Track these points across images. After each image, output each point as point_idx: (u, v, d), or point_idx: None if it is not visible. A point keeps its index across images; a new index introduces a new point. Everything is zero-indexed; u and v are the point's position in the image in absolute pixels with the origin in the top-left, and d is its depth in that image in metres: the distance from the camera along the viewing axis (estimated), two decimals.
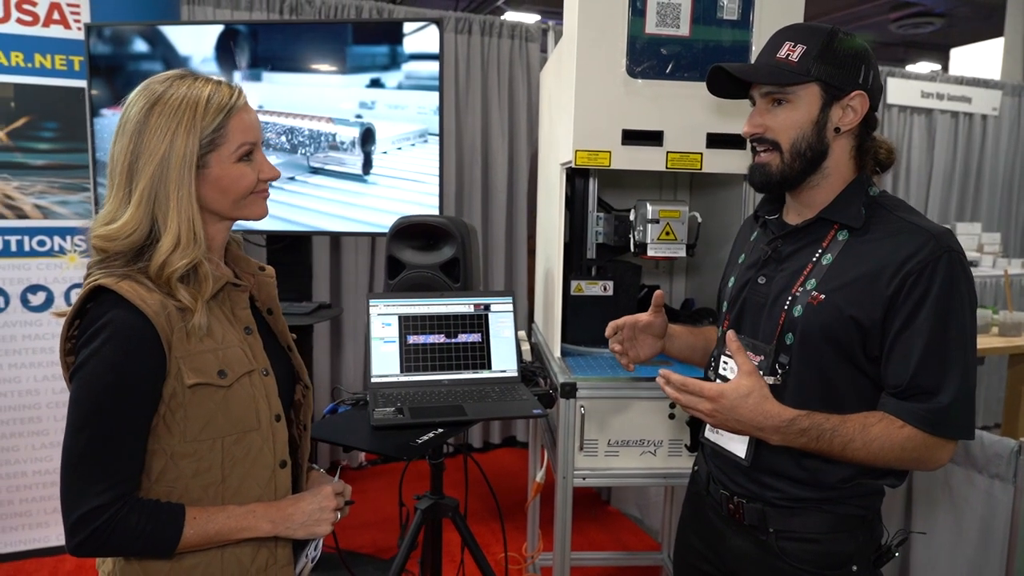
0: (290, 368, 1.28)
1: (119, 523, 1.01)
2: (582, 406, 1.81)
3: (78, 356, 1.03)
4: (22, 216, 2.72)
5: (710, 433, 1.35)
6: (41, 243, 2.74)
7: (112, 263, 1.07)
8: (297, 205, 2.57)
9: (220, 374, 1.09)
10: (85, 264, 1.11)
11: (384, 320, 1.83)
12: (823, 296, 1.17)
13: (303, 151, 2.52)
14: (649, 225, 1.86)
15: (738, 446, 1.27)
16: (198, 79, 1.10)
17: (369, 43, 2.45)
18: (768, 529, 1.25)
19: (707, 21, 1.76)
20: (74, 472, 1.01)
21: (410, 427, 1.57)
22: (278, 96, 2.51)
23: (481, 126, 3.94)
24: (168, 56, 2.50)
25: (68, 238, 2.76)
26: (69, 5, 2.66)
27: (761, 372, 1.23)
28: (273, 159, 2.52)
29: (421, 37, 2.39)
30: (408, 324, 1.84)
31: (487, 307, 1.89)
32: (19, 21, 2.62)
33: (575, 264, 2.15)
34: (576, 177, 2.12)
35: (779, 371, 1.22)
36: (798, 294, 1.21)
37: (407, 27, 2.39)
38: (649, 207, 1.86)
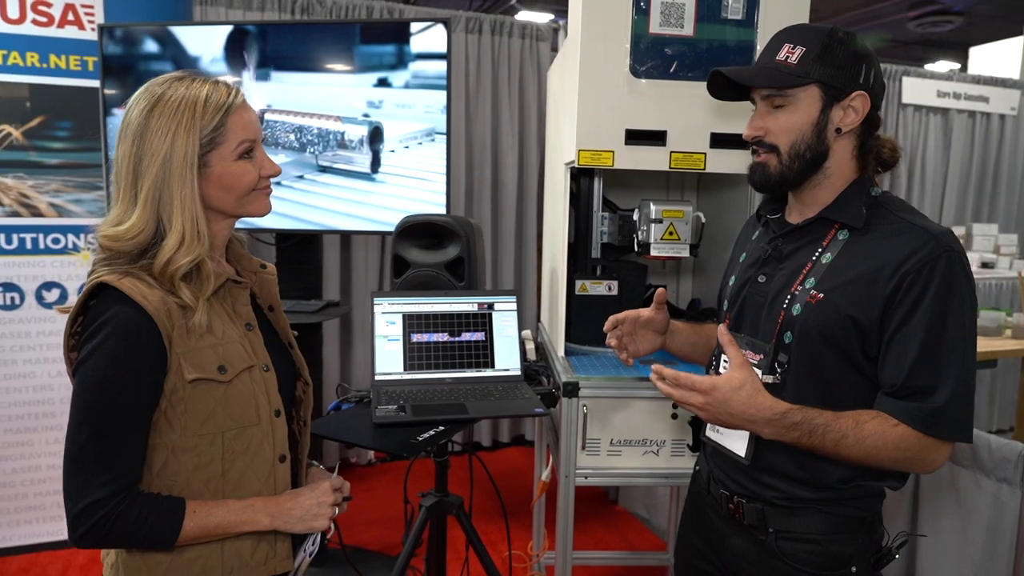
0: (291, 365, 1.29)
1: (120, 515, 1.03)
2: (584, 405, 1.82)
3: (81, 352, 1.05)
4: (37, 214, 2.76)
5: (711, 432, 1.35)
6: (55, 241, 2.79)
7: (116, 261, 1.09)
8: (306, 203, 2.59)
9: (220, 369, 1.10)
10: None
11: (388, 318, 1.84)
12: (821, 295, 1.17)
13: (312, 149, 2.54)
14: (653, 225, 1.86)
15: (738, 444, 1.27)
16: (196, 80, 1.12)
17: (376, 42, 2.47)
18: (767, 529, 1.24)
19: (711, 20, 1.75)
20: (76, 465, 1.03)
21: (412, 424, 1.58)
22: (286, 95, 2.53)
23: (491, 125, 3.95)
24: (178, 56, 2.53)
25: (82, 236, 2.81)
26: (83, 6, 2.70)
27: (760, 371, 1.23)
28: (282, 157, 2.55)
29: (428, 36, 2.40)
30: (412, 322, 1.85)
31: (491, 306, 1.90)
32: (34, 22, 2.66)
33: (580, 263, 2.15)
34: (582, 177, 2.12)
35: (778, 370, 1.21)
36: (797, 293, 1.20)
37: (414, 27, 2.41)
38: (653, 207, 1.86)
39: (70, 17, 2.70)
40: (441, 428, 1.56)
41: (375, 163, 2.51)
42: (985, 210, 5.66)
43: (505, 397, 1.74)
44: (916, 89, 5.20)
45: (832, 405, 1.16)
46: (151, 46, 2.58)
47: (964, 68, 8.69)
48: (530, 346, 2.13)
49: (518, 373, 1.87)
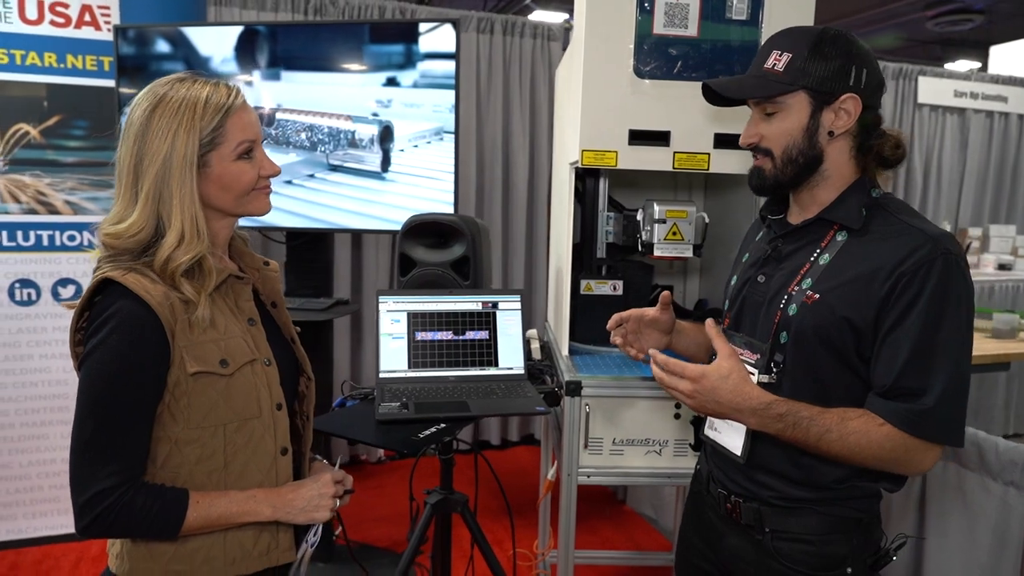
0: (294, 360, 1.31)
1: (125, 505, 1.05)
2: (587, 404, 1.82)
3: (86, 346, 1.07)
4: (53, 212, 2.81)
5: (709, 431, 1.36)
6: (71, 238, 2.84)
7: (120, 258, 1.11)
8: (317, 202, 2.62)
9: (222, 363, 1.12)
10: None
11: (393, 316, 1.86)
12: (817, 296, 1.17)
13: (322, 148, 2.57)
14: (656, 225, 1.87)
15: (734, 442, 1.28)
16: (197, 81, 1.14)
17: (385, 42, 2.49)
18: (764, 529, 1.25)
19: (715, 20, 1.75)
20: (82, 457, 1.06)
21: (414, 422, 1.60)
22: (297, 94, 2.56)
23: (502, 125, 3.96)
24: (190, 57, 2.57)
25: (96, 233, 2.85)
26: (100, 7, 2.75)
27: (757, 371, 1.24)
28: (293, 156, 2.58)
29: (437, 36, 2.42)
30: (416, 321, 1.86)
31: (495, 305, 1.91)
32: (52, 23, 2.71)
33: (585, 263, 2.16)
34: (587, 177, 2.13)
35: (774, 369, 1.22)
36: (793, 293, 1.21)
37: (422, 27, 2.42)
38: (656, 207, 1.86)
39: (87, 18, 2.74)
40: (442, 425, 1.58)
41: (385, 162, 2.53)
42: (1003, 211, 5.60)
43: (507, 396, 1.76)
44: (932, 89, 5.15)
45: (826, 405, 1.16)
46: (163, 47, 2.62)
47: (985, 67, 8.57)
48: (535, 345, 2.14)
49: (521, 372, 1.88)
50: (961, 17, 9.09)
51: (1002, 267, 4.82)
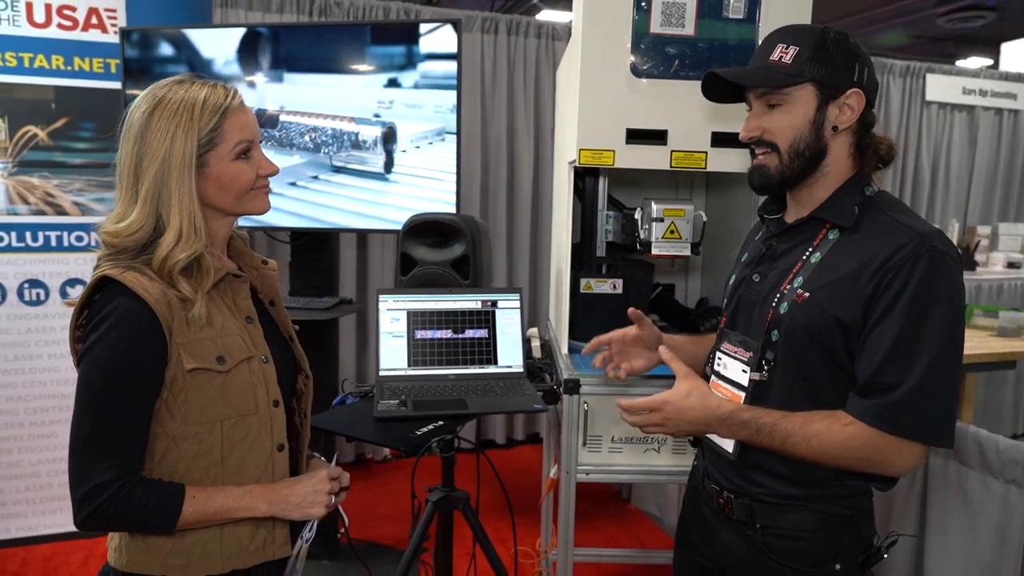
0: (292, 358, 1.33)
1: (123, 499, 1.07)
2: (586, 402, 1.83)
3: (85, 342, 1.10)
4: (61, 212, 2.85)
5: None
6: (79, 239, 2.87)
7: (119, 256, 1.13)
8: (321, 204, 2.63)
9: (219, 360, 1.14)
10: None
11: (393, 315, 1.87)
12: (808, 294, 1.17)
13: (326, 150, 2.58)
14: (654, 223, 1.87)
15: (726, 440, 1.28)
16: (195, 83, 1.16)
17: (386, 43, 2.51)
18: (755, 525, 1.25)
19: (712, 19, 1.75)
20: (81, 452, 1.08)
21: (412, 419, 1.61)
22: (299, 96, 2.58)
23: (507, 125, 3.98)
24: (193, 59, 2.59)
25: None
26: (106, 10, 2.78)
27: (749, 368, 1.25)
28: (297, 158, 2.60)
29: (437, 37, 2.43)
30: (416, 319, 1.88)
31: (494, 303, 1.92)
32: (59, 26, 2.74)
33: (585, 262, 2.17)
34: (587, 176, 2.14)
35: (765, 367, 1.22)
36: (785, 291, 1.21)
37: (423, 27, 2.44)
38: (654, 205, 1.87)
39: (94, 21, 2.78)
40: (440, 423, 1.59)
41: (388, 163, 2.54)
42: (1012, 209, 5.55)
43: (506, 393, 1.77)
44: (940, 86, 5.12)
45: (818, 403, 1.17)
46: (167, 49, 2.65)
47: (996, 64, 8.49)
48: (536, 343, 2.15)
49: (521, 370, 1.89)
50: (972, 14, 9.01)
51: (1011, 265, 4.79)
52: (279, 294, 1.34)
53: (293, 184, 2.61)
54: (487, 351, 1.90)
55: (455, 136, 2.48)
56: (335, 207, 2.62)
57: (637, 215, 1.95)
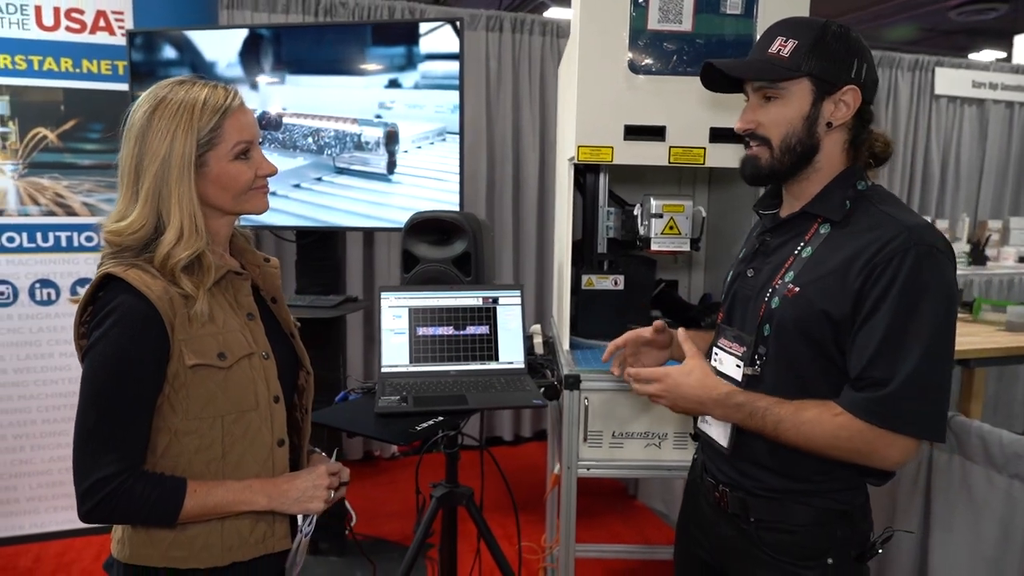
0: (293, 354, 1.35)
1: (126, 492, 1.09)
2: (586, 398, 1.84)
3: (89, 339, 1.12)
4: (71, 213, 2.89)
5: (701, 423, 1.38)
6: (88, 239, 2.91)
7: (123, 254, 1.16)
8: (325, 205, 2.65)
9: (220, 356, 1.16)
10: None
11: (395, 312, 1.89)
12: (798, 289, 1.18)
13: (329, 152, 2.60)
14: (653, 219, 1.88)
15: (720, 434, 1.29)
16: (196, 83, 1.18)
17: (387, 44, 2.52)
18: (749, 518, 1.26)
19: (710, 14, 1.76)
20: (85, 446, 1.10)
21: (412, 415, 1.63)
22: (301, 98, 2.60)
23: (512, 122, 3.99)
24: (196, 61, 2.62)
25: None
26: (114, 12, 2.82)
27: (743, 363, 1.25)
28: (300, 160, 2.63)
29: (437, 37, 2.44)
30: (418, 316, 1.90)
31: (495, 300, 1.94)
32: (68, 29, 2.78)
33: (586, 258, 2.18)
34: (588, 172, 2.14)
35: (757, 362, 1.23)
36: (777, 286, 1.22)
37: (423, 27, 2.45)
38: (653, 202, 1.88)
39: (101, 24, 2.81)
40: (440, 418, 1.61)
41: (391, 164, 2.56)
42: (1023, 203, 5.51)
43: (506, 389, 1.78)
44: (950, 80, 5.08)
45: (807, 397, 1.17)
46: (170, 52, 2.68)
47: (1010, 57, 8.40)
48: (538, 340, 2.16)
49: (522, 366, 1.91)
50: (985, 6, 8.92)
51: (1022, 260, 4.75)
52: (281, 291, 1.36)
53: (297, 186, 2.63)
54: (488, 347, 1.91)
55: (457, 136, 2.49)
56: (340, 208, 2.64)
57: (637, 211, 1.96)
